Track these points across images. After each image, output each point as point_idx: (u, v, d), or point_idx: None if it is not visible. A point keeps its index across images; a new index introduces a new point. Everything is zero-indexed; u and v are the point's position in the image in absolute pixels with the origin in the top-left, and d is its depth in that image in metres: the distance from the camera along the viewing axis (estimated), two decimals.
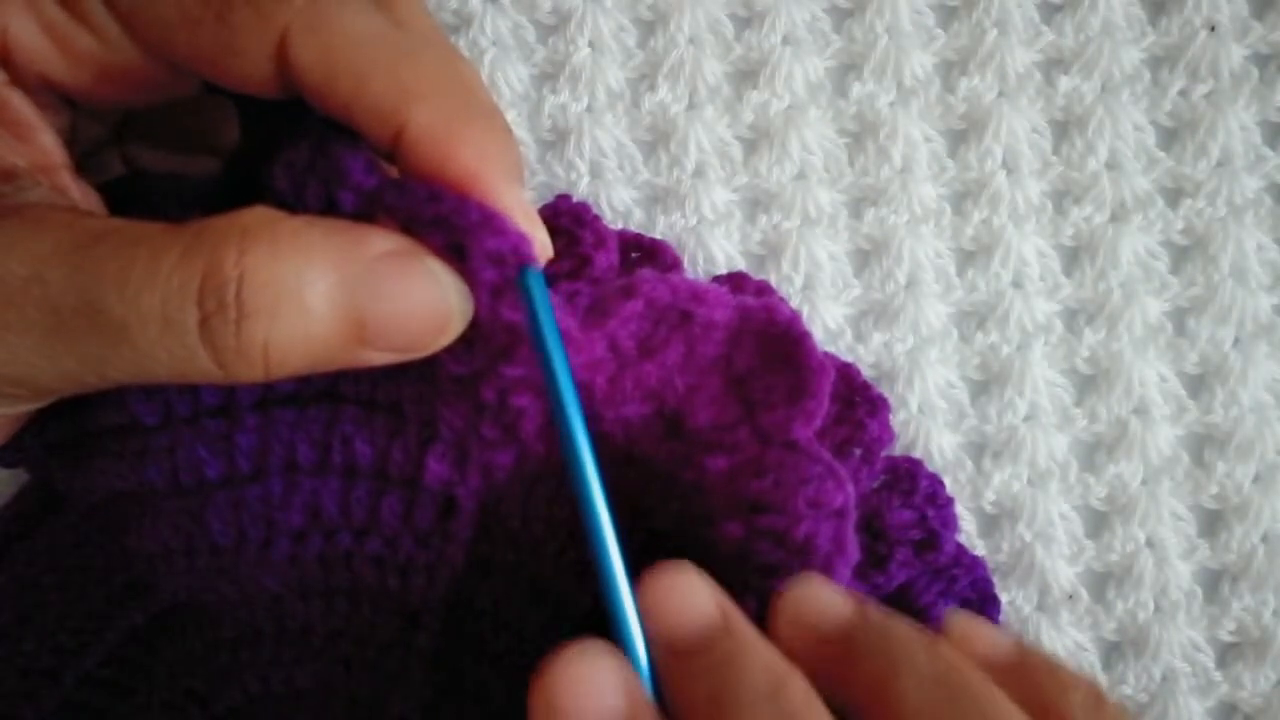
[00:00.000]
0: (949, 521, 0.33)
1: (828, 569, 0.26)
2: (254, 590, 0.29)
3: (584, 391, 0.27)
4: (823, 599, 0.23)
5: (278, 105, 0.26)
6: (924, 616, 0.32)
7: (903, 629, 0.23)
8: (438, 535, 0.28)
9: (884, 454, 0.33)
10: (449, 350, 0.25)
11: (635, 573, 0.24)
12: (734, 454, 0.27)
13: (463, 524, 0.28)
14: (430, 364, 0.26)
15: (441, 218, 0.23)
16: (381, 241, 0.22)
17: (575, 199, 0.34)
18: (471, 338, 0.25)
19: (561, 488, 0.28)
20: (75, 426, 0.29)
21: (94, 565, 0.32)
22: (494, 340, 0.25)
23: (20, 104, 0.25)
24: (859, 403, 0.32)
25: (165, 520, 0.28)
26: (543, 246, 0.25)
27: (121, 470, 0.28)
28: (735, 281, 0.34)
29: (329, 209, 0.24)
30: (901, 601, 0.32)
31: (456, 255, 0.23)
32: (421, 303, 0.23)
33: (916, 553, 0.32)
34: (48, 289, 0.21)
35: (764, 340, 0.28)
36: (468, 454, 0.28)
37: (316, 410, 0.27)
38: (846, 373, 0.32)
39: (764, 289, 0.34)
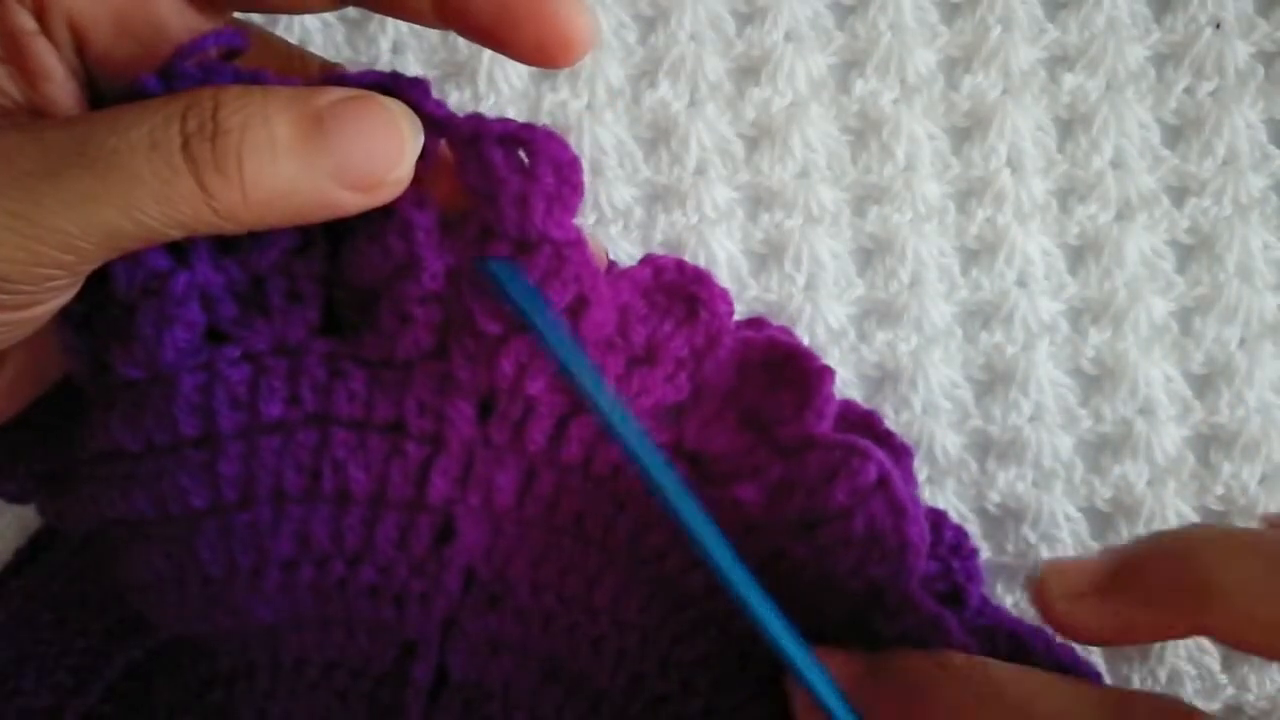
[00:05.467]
0: (974, 574, 0.31)
1: (900, 539, 0.26)
2: (248, 622, 0.29)
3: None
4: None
5: None
6: None
7: None
8: (433, 562, 0.28)
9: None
10: (485, 306, 0.26)
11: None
12: (761, 477, 0.27)
13: (459, 549, 0.28)
14: (450, 353, 0.26)
15: (509, 133, 0.25)
16: (339, 89, 0.25)
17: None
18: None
19: (575, 558, 0.28)
20: (63, 456, 0.29)
21: (90, 601, 0.31)
22: (540, 260, 0.26)
23: (44, 52, 0.25)
24: (883, 450, 0.31)
25: (156, 548, 0.28)
26: (592, 33, 0.26)
27: (111, 497, 0.28)
28: (756, 326, 0.33)
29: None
30: None
31: (521, 172, 0.25)
32: (377, 122, 0.25)
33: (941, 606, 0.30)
34: (45, 139, 0.22)
35: (768, 367, 0.28)
36: (471, 468, 0.28)
37: (304, 435, 0.27)
38: (869, 420, 0.31)
39: (785, 335, 0.33)
